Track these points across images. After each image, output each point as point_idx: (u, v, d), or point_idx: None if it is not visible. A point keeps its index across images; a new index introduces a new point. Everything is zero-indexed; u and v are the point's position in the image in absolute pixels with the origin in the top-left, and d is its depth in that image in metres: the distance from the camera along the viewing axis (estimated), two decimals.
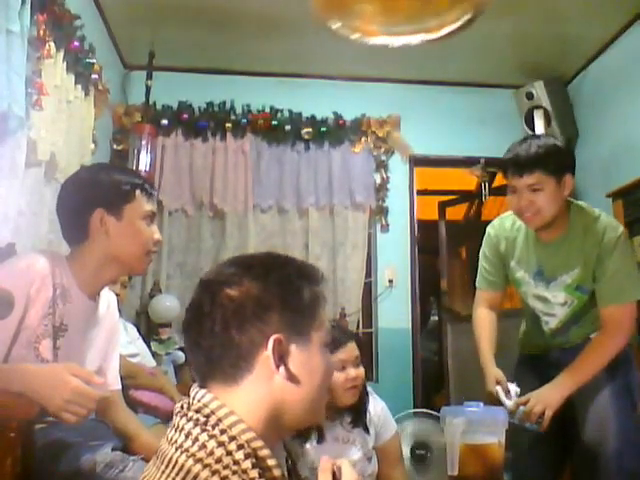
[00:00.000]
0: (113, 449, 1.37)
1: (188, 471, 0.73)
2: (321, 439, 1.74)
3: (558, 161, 1.80)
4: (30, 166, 2.11)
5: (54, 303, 1.34)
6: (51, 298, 1.33)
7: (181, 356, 3.10)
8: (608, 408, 1.84)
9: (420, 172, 3.95)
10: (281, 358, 0.82)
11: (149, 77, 3.42)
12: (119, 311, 1.66)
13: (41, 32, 2.08)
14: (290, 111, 3.69)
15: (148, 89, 3.42)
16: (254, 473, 0.74)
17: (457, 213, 4.57)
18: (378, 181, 3.75)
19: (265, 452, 0.77)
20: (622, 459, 1.78)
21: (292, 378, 0.82)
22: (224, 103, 3.66)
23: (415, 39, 1.58)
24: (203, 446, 0.74)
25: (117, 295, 2.38)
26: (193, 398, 0.82)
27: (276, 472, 0.78)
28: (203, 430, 0.76)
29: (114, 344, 1.61)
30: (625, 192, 3.06)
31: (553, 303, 1.93)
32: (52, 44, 2.18)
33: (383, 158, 3.78)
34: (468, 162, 3.84)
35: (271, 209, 3.66)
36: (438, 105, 3.86)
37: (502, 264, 2.05)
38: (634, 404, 1.88)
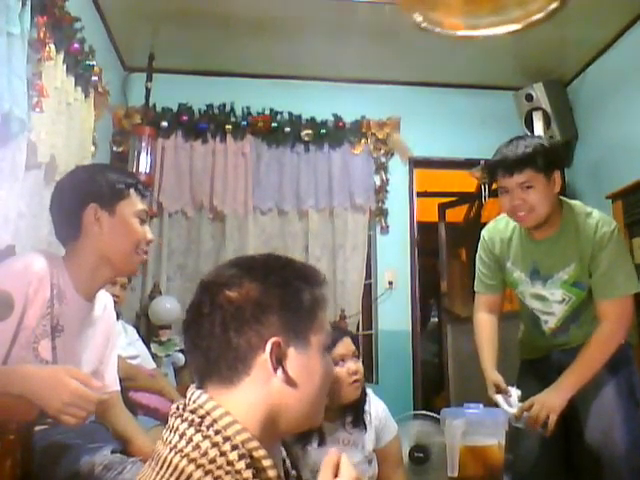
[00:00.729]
0: (112, 452, 1.37)
1: (182, 471, 0.73)
2: (322, 441, 1.75)
3: (546, 158, 1.82)
4: (30, 168, 2.11)
5: (52, 303, 1.34)
6: (49, 298, 1.33)
7: (181, 358, 3.10)
8: (612, 409, 1.84)
9: (420, 174, 3.95)
10: (279, 361, 0.82)
11: (149, 79, 3.43)
12: (118, 313, 1.66)
13: (41, 34, 2.08)
14: (290, 113, 3.70)
15: (148, 91, 3.42)
16: (248, 473, 0.74)
17: (457, 215, 4.57)
18: (378, 183, 3.75)
19: (261, 453, 0.77)
20: (630, 459, 1.78)
21: (290, 381, 0.82)
22: (224, 105, 3.66)
23: (499, 30, 1.56)
24: (197, 447, 0.74)
25: (117, 297, 2.39)
26: (189, 399, 0.82)
27: (271, 473, 0.77)
28: (197, 431, 0.76)
29: (111, 346, 1.61)
30: (625, 193, 3.06)
31: (551, 301, 1.94)
32: (52, 46, 2.18)
33: (383, 160, 3.78)
34: (468, 164, 3.84)
35: (271, 211, 3.66)
36: (438, 107, 3.86)
37: (498, 266, 2.05)
38: (637, 403, 1.88)
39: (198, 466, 0.73)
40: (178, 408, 0.82)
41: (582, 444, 1.87)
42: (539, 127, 3.55)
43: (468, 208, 4.56)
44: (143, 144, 3.27)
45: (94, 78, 2.69)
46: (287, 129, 3.66)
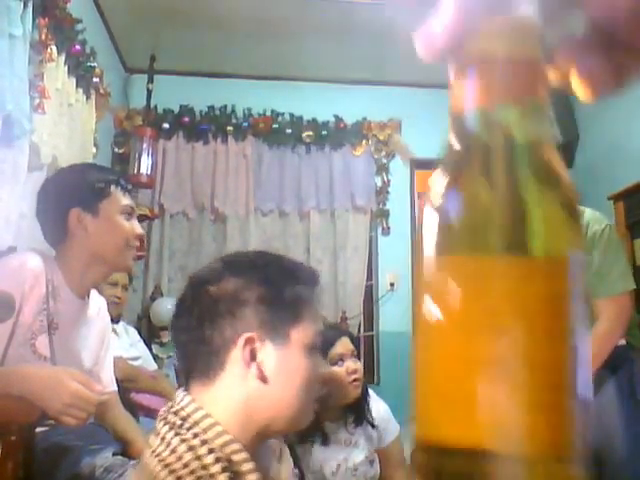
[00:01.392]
0: (114, 454, 1.37)
1: (155, 477, 0.72)
2: (325, 441, 1.74)
3: None
4: (32, 169, 2.11)
5: (47, 300, 1.34)
6: (44, 294, 1.34)
7: None
8: (613, 411, 1.84)
9: (421, 175, 3.95)
10: (254, 357, 0.80)
11: (150, 80, 3.43)
12: (120, 314, 1.66)
13: (43, 36, 2.09)
14: (291, 114, 3.70)
15: (149, 92, 3.43)
16: (223, 477, 0.72)
17: None
18: (379, 184, 3.75)
19: (241, 456, 0.75)
20: (632, 462, 1.78)
21: (264, 378, 0.80)
22: (225, 106, 3.67)
23: None
24: (174, 450, 0.73)
25: (118, 298, 2.39)
26: (175, 401, 0.81)
27: (251, 477, 0.75)
28: (176, 434, 0.75)
29: (106, 346, 1.61)
30: (626, 194, 3.06)
31: None
32: (54, 48, 2.19)
33: (384, 161, 3.78)
34: None
35: (272, 212, 3.67)
36: (439, 108, 3.83)
37: None
38: (638, 405, 1.88)
39: (171, 471, 0.72)
40: (165, 410, 0.81)
41: None
42: None
43: None
44: (144, 145, 3.28)
45: (95, 79, 2.70)
46: (288, 130, 3.66)
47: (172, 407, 0.80)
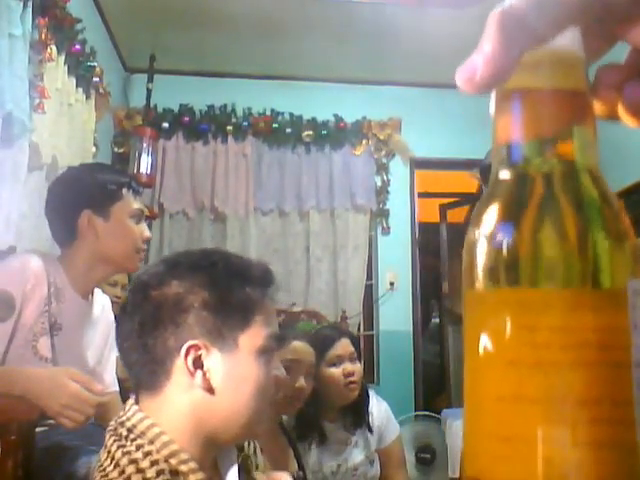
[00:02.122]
0: None
1: None
2: (323, 441, 1.74)
3: None
4: (32, 169, 2.11)
5: (49, 301, 1.34)
6: (46, 296, 1.33)
7: None
8: None
9: (421, 175, 3.95)
10: (200, 366, 0.76)
11: (150, 80, 3.43)
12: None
13: (42, 36, 2.08)
14: (291, 114, 3.70)
15: (149, 92, 3.43)
16: None
17: (458, 215, 4.56)
18: (379, 184, 3.75)
19: (188, 466, 0.73)
20: None
21: (210, 387, 0.77)
22: (225, 106, 3.66)
23: None
24: (117, 464, 0.72)
25: (118, 298, 2.39)
26: (123, 411, 0.79)
27: None
28: (119, 447, 0.73)
29: (110, 346, 1.61)
30: (626, 194, 3.06)
31: None
32: (53, 47, 2.19)
33: (384, 161, 3.78)
34: (469, 164, 3.83)
35: (272, 212, 3.66)
36: (439, 107, 3.86)
37: None
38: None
39: None
40: (115, 421, 0.79)
41: None
42: None
43: (469, 209, 4.55)
44: (144, 145, 3.27)
45: (95, 79, 2.70)
46: (288, 130, 3.66)
47: (120, 418, 0.78)
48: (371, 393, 1.91)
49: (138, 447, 0.72)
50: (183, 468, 0.73)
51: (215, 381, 0.77)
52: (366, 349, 3.53)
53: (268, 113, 3.69)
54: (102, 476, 0.72)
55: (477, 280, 0.26)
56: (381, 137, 3.77)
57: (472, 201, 4.60)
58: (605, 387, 0.23)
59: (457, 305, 4.29)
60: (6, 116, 1.82)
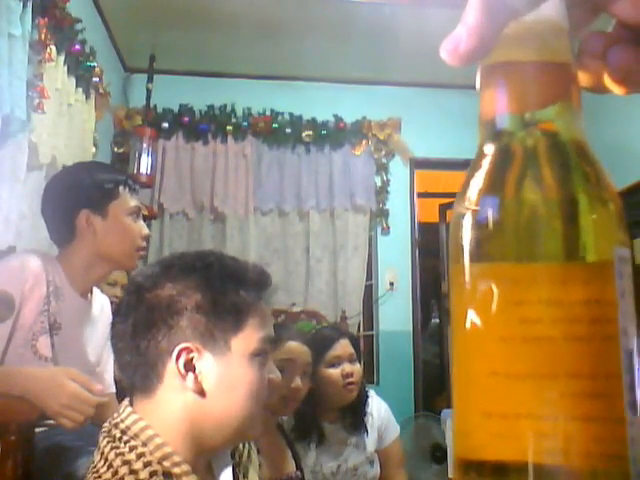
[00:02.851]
0: None
1: None
2: (321, 441, 1.74)
3: None
4: (32, 169, 2.11)
5: (48, 300, 1.34)
6: (45, 295, 1.33)
7: None
8: None
9: (421, 174, 3.95)
10: (192, 368, 0.76)
11: (150, 80, 3.43)
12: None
13: (42, 36, 2.08)
14: (291, 114, 3.70)
15: (149, 92, 3.43)
16: None
17: None
18: (379, 184, 3.75)
19: (181, 468, 0.73)
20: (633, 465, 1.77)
21: (201, 390, 0.76)
22: (225, 106, 3.66)
23: None
24: (110, 466, 0.72)
25: (118, 298, 2.39)
26: (117, 412, 0.79)
27: None
28: (112, 448, 0.73)
29: (109, 347, 1.61)
30: (625, 195, 3.06)
31: None
32: (53, 47, 2.19)
33: (384, 161, 3.78)
34: (469, 164, 3.83)
35: (272, 212, 3.66)
36: (439, 107, 3.86)
37: None
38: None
39: None
40: (108, 423, 0.79)
41: None
42: None
43: None
44: (144, 145, 3.27)
45: (95, 79, 2.70)
46: (288, 130, 3.66)
47: (114, 419, 0.78)
48: (371, 393, 1.91)
49: (131, 449, 0.72)
50: (176, 470, 0.73)
51: (207, 384, 0.77)
52: (366, 349, 3.53)
53: (268, 113, 3.68)
54: (95, 477, 0.72)
55: (464, 255, 0.26)
56: (381, 137, 3.77)
57: None
58: (598, 360, 0.23)
59: None
60: (5, 116, 1.82)
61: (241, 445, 0.93)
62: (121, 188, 1.43)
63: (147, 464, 0.71)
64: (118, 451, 0.73)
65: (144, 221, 1.51)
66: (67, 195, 1.41)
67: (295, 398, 1.48)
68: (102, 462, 0.73)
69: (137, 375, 0.78)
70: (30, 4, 1.94)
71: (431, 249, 4.30)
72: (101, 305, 1.56)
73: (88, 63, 2.59)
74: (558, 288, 0.24)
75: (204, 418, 0.77)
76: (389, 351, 3.62)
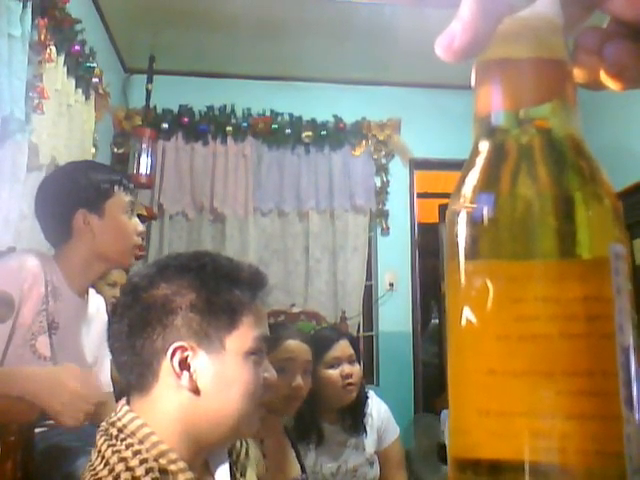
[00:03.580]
0: None
1: None
2: (321, 442, 1.74)
3: None
4: (31, 170, 2.11)
5: (47, 300, 1.34)
6: (44, 294, 1.33)
7: None
8: None
9: (420, 175, 3.95)
10: (187, 367, 0.77)
11: (150, 81, 3.43)
12: None
13: (42, 36, 2.08)
14: (290, 114, 3.70)
15: (149, 93, 3.43)
16: None
17: None
18: (378, 184, 3.75)
19: (177, 466, 0.74)
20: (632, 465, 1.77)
21: (196, 389, 0.77)
22: (224, 107, 3.67)
23: None
24: (107, 463, 0.73)
25: (117, 298, 2.39)
26: (115, 411, 0.80)
27: None
28: (109, 445, 0.74)
29: (104, 347, 1.61)
30: (624, 195, 3.06)
31: None
32: (53, 48, 2.19)
33: (383, 161, 3.78)
34: None
35: (271, 212, 3.66)
36: (438, 108, 3.86)
37: None
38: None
39: None
40: (105, 421, 0.80)
41: None
42: None
43: None
44: (144, 146, 3.27)
45: (95, 80, 2.70)
46: (288, 131, 3.66)
47: (111, 418, 0.79)
48: (371, 394, 1.91)
49: (128, 446, 0.73)
50: (172, 467, 0.73)
51: (202, 382, 0.77)
52: (365, 350, 3.53)
53: (268, 114, 3.69)
54: (92, 475, 0.72)
55: (459, 252, 0.26)
56: (380, 138, 3.77)
57: None
58: (594, 358, 0.23)
59: None
60: (4, 117, 1.82)
61: (238, 443, 0.93)
62: (116, 187, 1.44)
63: (143, 461, 0.72)
64: (115, 449, 0.73)
65: (143, 222, 1.52)
66: (63, 195, 1.41)
67: (297, 397, 1.48)
68: (99, 460, 0.74)
69: (133, 374, 0.79)
70: (30, 4, 1.94)
71: (431, 250, 4.30)
72: (96, 305, 1.57)
73: (88, 64, 2.60)
74: (554, 285, 0.23)
75: (199, 416, 0.78)
76: (389, 352, 3.62)
